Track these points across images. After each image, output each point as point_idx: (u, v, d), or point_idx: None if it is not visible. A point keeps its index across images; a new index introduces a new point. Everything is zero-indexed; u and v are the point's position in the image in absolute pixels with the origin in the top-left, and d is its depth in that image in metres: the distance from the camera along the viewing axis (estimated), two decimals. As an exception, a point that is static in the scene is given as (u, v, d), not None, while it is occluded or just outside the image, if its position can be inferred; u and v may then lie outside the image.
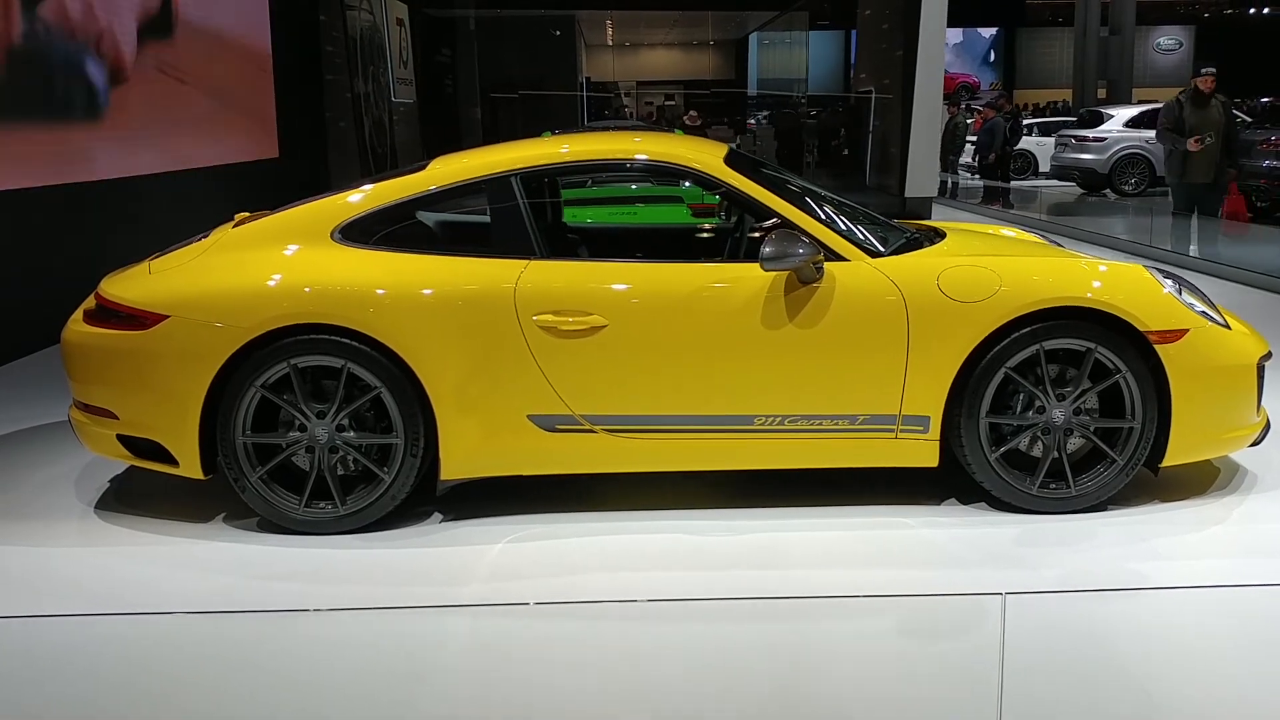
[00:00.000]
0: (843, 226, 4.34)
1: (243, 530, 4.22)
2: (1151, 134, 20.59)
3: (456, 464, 4.16)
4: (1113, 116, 21.03)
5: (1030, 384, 4.17)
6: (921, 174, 15.36)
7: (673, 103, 33.55)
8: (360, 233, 4.27)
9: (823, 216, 4.32)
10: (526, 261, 4.17)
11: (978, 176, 21.20)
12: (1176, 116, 11.31)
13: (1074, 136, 20.91)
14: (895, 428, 4.18)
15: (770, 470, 4.35)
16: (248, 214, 4.77)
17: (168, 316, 4.09)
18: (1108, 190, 20.23)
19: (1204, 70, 11.35)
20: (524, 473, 4.24)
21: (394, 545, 4.06)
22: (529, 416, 4.16)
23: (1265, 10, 47.24)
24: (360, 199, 4.33)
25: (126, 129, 8.71)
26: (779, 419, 4.17)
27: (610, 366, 4.13)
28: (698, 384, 4.14)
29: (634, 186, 8.92)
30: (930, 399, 4.15)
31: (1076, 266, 4.27)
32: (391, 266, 4.16)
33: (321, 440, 4.14)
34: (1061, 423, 4.20)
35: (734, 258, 5.01)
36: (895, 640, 3.27)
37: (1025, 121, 24.10)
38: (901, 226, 4.86)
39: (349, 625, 3.36)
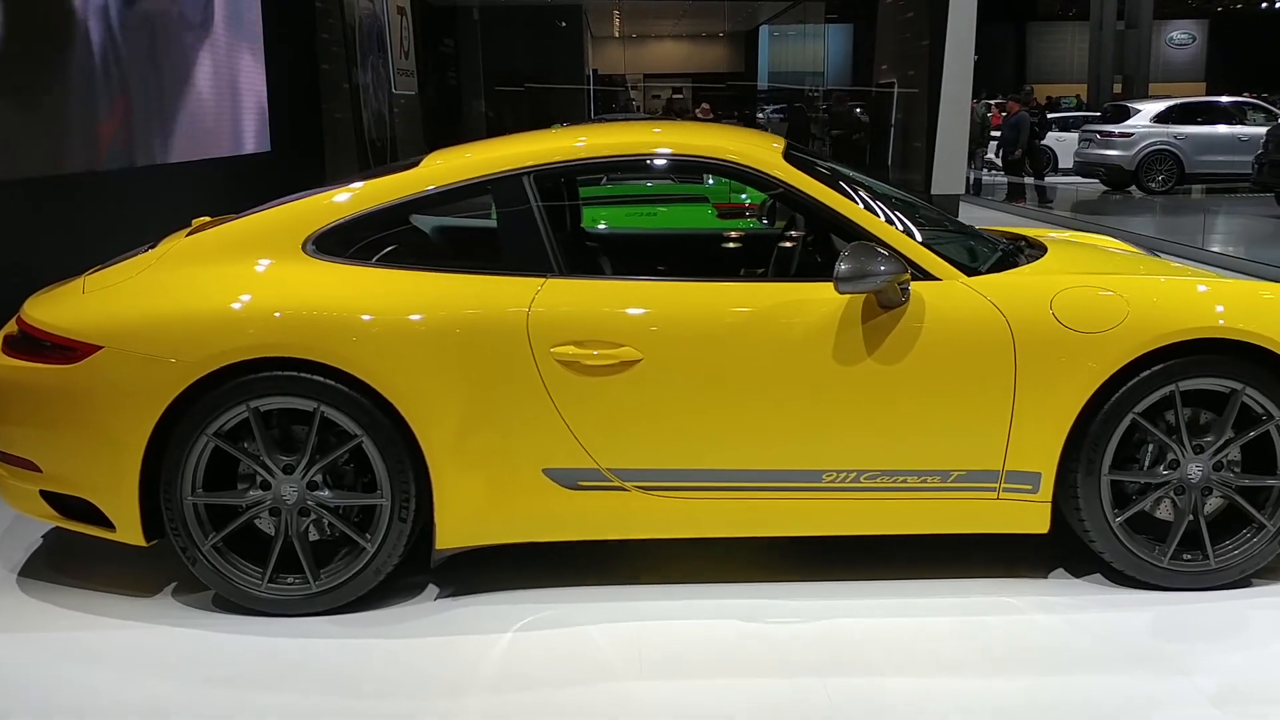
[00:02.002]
0: (930, 238, 3.55)
1: (193, 610, 3.43)
2: (1182, 129, 20.00)
3: (455, 530, 3.37)
4: (1139, 111, 20.21)
5: (1161, 433, 3.39)
6: (949, 170, 14.53)
7: (680, 96, 32.76)
8: (338, 243, 3.48)
9: (907, 227, 3.53)
10: (542, 280, 3.39)
11: (1000, 173, 20.38)
12: None
13: (1099, 132, 20.08)
14: (998, 486, 3.39)
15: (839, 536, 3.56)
16: (208, 219, 3.99)
17: (101, 347, 3.31)
18: (1133, 187, 19.43)
19: None
20: (539, 539, 3.45)
21: (377, 634, 3.27)
22: (545, 471, 3.37)
23: (1279, 4, 46.35)
24: (339, 202, 3.54)
25: (97, 119, 7.92)
26: (854, 475, 3.38)
27: (645, 410, 3.34)
28: (754, 432, 3.36)
29: (649, 184, 8.11)
30: (1041, 451, 3.36)
31: (1221, 288, 3.49)
32: (375, 286, 3.38)
33: (289, 501, 3.35)
34: (1199, 480, 3.42)
35: (782, 272, 4.21)
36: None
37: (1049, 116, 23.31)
38: (990, 236, 4.06)
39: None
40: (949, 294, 3.36)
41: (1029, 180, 19.48)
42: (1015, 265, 3.63)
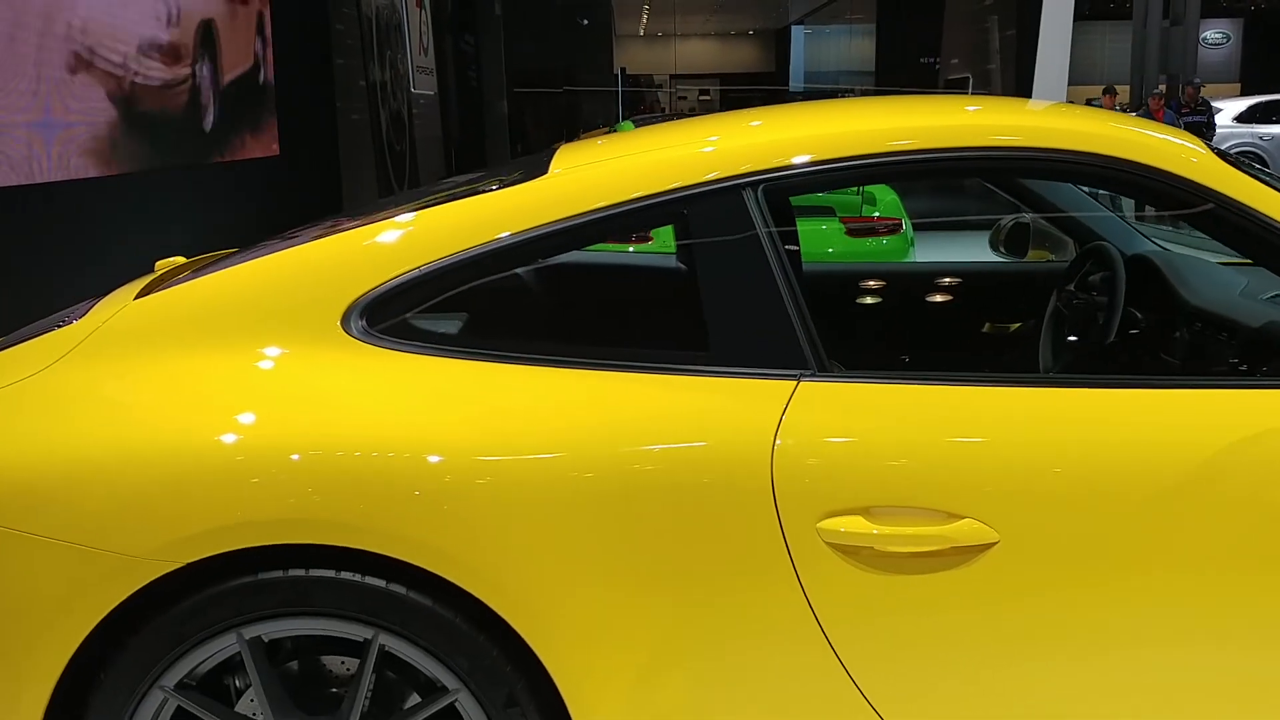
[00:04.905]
0: None
1: None
2: (1267, 129, 18.35)
3: None
4: (1220, 110, 18.60)
5: None
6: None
7: (707, 97, 31.31)
8: (405, 314, 1.89)
9: None
10: (793, 383, 1.80)
11: None
12: None
13: (1176, 133, 18.45)
14: None
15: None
16: (180, 260, 2.44)
17: (-34, 518, 1.75)
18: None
19: None
20: None
21: None
22: (801, 749, 1.79)
23: (1309, 2, 44.71)
24: (403, 242, 1.95)
25: (81, 117, 6.31)
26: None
27: (1001, 640, 1.76)
28: (1214, 670, 1.78)
29: None
30: None
31: None
32: (475, 399, 1.80)
33: (320, 808, 1.78)
34: None
35: (1089, 337, 2.62)
36: None
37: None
38: None
39: None
40: None
41: None
42: None
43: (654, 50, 31.76)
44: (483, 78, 20.67)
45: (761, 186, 1.90)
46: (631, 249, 4.91)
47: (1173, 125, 14.43)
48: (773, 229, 1.89)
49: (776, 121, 2.17)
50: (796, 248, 2.34)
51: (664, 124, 2.43)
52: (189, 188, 7.78)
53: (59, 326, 2.04)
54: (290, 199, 9.43)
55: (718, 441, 1.75)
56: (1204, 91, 17.10)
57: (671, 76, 31.17)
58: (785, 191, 2.00)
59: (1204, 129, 15.36)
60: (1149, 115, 14.48)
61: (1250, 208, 1.90)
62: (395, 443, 1.72)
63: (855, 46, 25.88)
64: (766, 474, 1.72)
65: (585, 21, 24.75)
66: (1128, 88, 34.79)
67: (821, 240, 5.92)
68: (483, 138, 19.75)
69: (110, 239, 6.21)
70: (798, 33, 29.46)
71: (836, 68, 27.74)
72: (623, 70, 25.32)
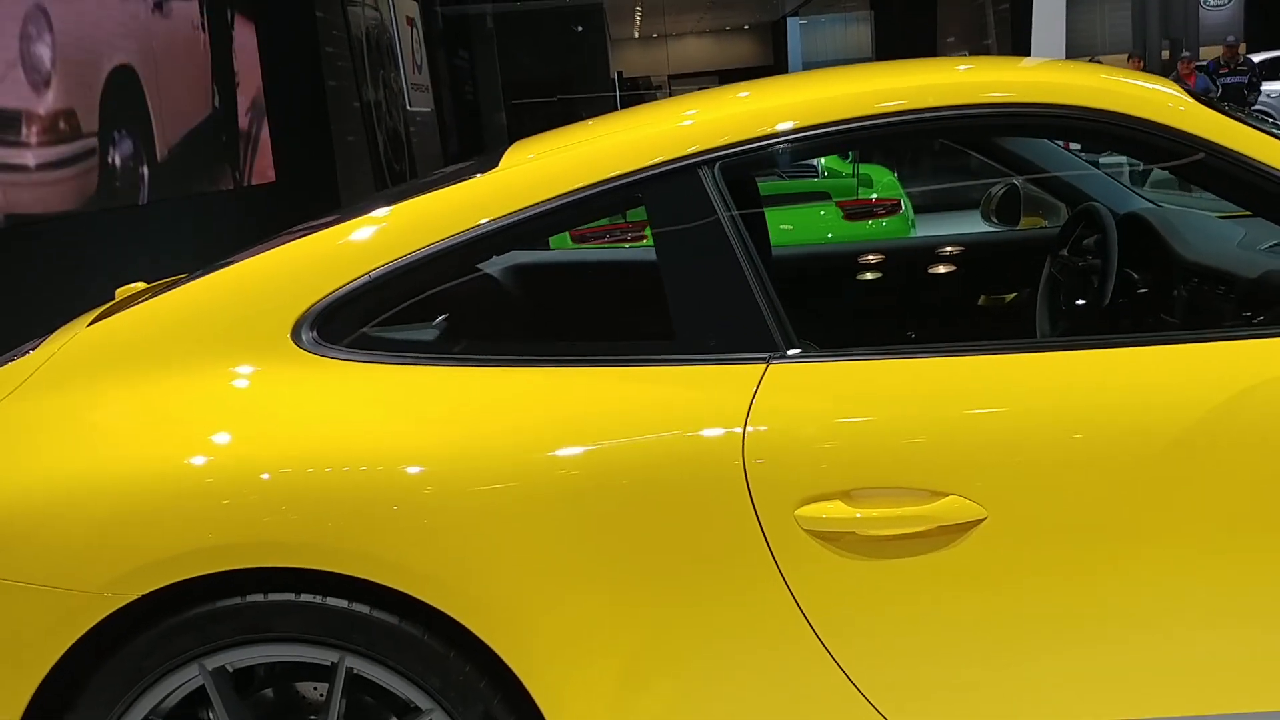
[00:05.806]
0: None
1: None
2: (1275, 87, 18.06)
3: None
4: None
5: None
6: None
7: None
8: (358, 324, 1.82)
9: None
10: (761, 366, 1.72)
11: None
12: None
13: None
14: None
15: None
16: (141, 286, 2.38)
17: (-86, 559, 1.69)
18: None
19: None
20: None
21: None
22: (792, 748, 1.71)
23: (1316, -41, 44.14)
24: (354, 245, 1.87)
25: (67, 149, 6.27)
26: None
27: (999, 622, 1.68)
28: (1231, 647, 1.69)
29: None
30: None
31: None
32: (435, 403, 1.73)
33: (295, 842, 1.71)
34: None
35: (1080, 300, 2.53)
36: None
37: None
38: None
39: None
40: None
41: None
42: None
43: (650, 52, 31.67)
44: (479, 92, 20.65)
45: (719, 163, 1.82)
46: (627, 247, 4.85)
47: (1207, 90, 13.83)
48: (732, 208, 1.81)
49: (754, 93, 2.07)
50: (762, 225, 2.26)
51: (637, 106, 2.36)
52: (185, 215, 7.74)
53: (22, 355, 1.98)
54: (289, 223, 9.38)
55: (686, 433, 1.68)
56: (1209, 55, 16.39)
57: (669, 77, 31.04)
58: (747, 166, 1.92)
59: (1245, 91, 14.00)
60: (1179, 81, 14.01)
61: (1243, 154, 1.81)
62: (352, 455, 1.65)
63: (852, 34, 25.77)
64: (738, 463, 1.65)
65: (579, 28, 24.65)
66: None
67: (819, 226, 5.83)
68: (483, 152, 19.73)
69: (101, 267, 6.17)
70: (793, 24, 29.31)
71: (835, 57, 27.58)
72: (619, 74, 25.23)
